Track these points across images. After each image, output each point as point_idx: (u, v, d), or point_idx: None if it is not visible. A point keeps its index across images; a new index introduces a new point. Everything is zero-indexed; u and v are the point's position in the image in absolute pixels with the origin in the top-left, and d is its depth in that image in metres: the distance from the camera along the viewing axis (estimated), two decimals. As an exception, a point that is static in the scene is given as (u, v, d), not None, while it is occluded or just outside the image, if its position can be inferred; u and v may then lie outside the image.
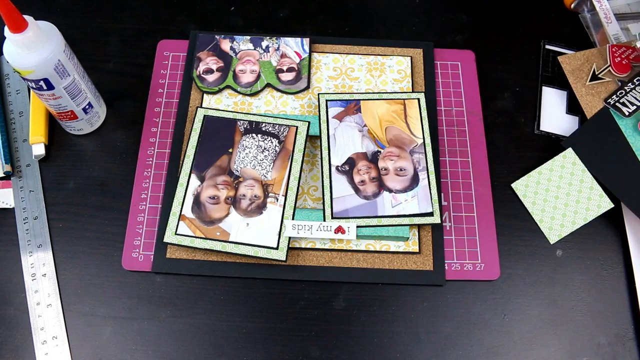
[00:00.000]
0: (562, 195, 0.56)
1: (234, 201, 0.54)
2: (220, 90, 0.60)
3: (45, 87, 0.50)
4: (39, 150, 0.56)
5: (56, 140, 0.58)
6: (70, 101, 0.53)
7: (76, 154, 0.58)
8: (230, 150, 0.56)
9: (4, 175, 0.56)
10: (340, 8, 0.67)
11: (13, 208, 0.55)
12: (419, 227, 0.55)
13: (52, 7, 0.65)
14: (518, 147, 0.59)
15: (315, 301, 0.52)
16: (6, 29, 0.45)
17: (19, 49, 0.47)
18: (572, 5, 0.66)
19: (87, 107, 0.55)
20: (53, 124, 0.59)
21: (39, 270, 0.52)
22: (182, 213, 0.53)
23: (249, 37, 0.63)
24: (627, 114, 0.57)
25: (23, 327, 0.50)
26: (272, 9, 0.67)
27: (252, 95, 0.60)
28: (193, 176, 0.55)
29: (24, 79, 0.49)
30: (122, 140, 0.59)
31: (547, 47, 0.64)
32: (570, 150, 0.57)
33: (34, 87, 0.50)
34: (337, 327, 0.51)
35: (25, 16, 0.46)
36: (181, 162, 0.56)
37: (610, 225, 0.56)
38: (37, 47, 0.47)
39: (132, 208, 0.55)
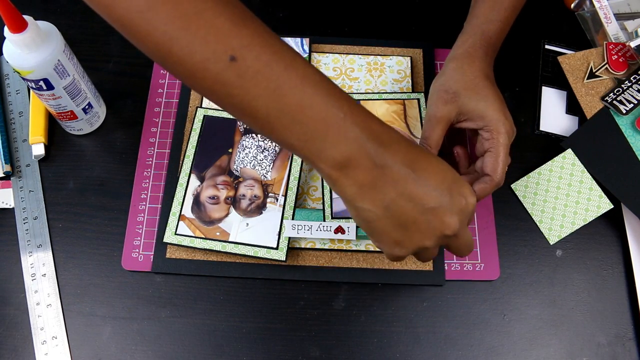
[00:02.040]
0: (561, 196, 0.56)
1: (233, 201, 0.54)
2: (220, 90, 0.60)
3: (45, 87, 0.50)
4: (38, 150, 0.56)
5: (56, 140, 0.58)
6: (70, 101, 0.53)
7: (76, 154, 0.58)
8: (230, 150, 0.56)
9: (3, 175, 0.56)
10: (340, 8, 0.67)
11: (13, 208, 0.55)
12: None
13: (52, 7, 0.65)
14: (518, 147, 0.59)
15: (315, 301, 0.52)
16: (6, 29, 0.45)
17: (19, 49, 0.47)
18: (572, 5, 0.66)
19: (87, 107, 0.55)
20: (53, 124, 0.59)
21: (38, 270, 0.52)
22: (182, 213, 0.53)
23: (248, 37, 0.63)
24: (624, 111, 0.57)
25: (23, 327, 0.50)
26: (272, 9, 0.67)
27: (252, 95, 0.60)
28: (193, 176, 0.55)
29: (23, 79, 0.49)
30: (122, 140, 0.59)
31: (547, 47, 0.64)
32: (569, 151, 0.57)
33: (34, 87, 0.50)
34: (337, 327, 0.51)
35: (25, 16, 0.46)
36: (181, 162, 0.56)
37: (610, 225, 0.56)
38: (37, 47, 0.47)
39: (131, 208, 0.55)
